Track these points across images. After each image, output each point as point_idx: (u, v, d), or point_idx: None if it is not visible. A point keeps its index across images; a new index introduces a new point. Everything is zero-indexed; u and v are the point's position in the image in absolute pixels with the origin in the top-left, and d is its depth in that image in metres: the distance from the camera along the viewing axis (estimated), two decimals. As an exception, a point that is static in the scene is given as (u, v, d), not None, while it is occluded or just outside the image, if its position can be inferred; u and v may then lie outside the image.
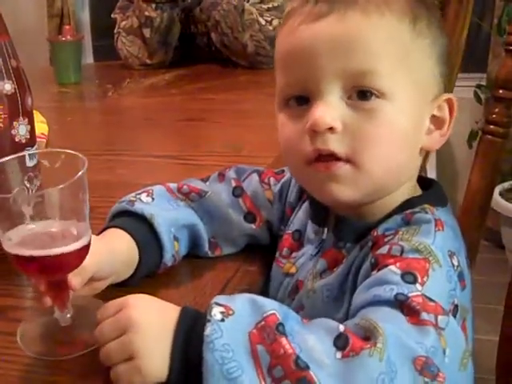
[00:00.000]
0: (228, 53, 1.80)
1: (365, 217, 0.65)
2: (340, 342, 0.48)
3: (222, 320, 0.50)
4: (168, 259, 0.69)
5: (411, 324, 0.50)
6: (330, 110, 0.60)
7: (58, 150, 0.58)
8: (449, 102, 0.65)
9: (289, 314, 0.52)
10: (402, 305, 0.51)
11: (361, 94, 0.60)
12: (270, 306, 0.52)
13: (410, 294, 0.52)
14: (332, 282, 0.63)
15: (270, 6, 1.80)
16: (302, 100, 0.63)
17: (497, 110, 0.93)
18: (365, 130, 0.60)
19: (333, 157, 0.60)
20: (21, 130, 0.74)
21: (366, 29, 0.60)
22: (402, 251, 0.56)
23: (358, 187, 0.62)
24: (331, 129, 0.60)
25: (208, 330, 0.49)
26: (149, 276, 0.69)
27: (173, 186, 0.76)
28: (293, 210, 0.75)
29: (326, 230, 0.68)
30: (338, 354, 0.48)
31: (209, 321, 0.50)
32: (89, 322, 0.58)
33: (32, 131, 0.75)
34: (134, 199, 0.72)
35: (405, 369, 0.48)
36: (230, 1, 1.73)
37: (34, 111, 0.80)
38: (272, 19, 1.77)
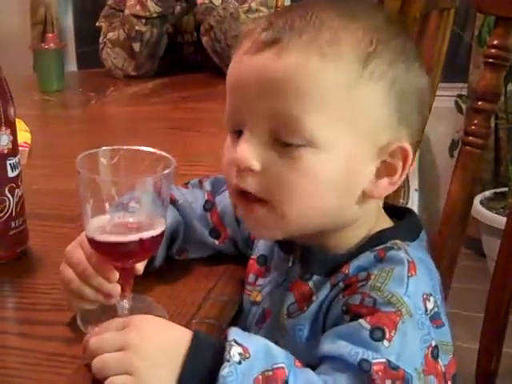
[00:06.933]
0: (218, 59, 1.79)
1: (330, 248, 0.63)
2: None
3: (239, 362, 0.51)
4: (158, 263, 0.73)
5: None
6: (252, 148, 0.58)
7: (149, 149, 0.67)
8: (402, 151, 0.59)
9: (292, 365, 0.53)
10: (365, 375, 0.52)
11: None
12: (281, 358, 0.53)
13: (373, 361, 0.52)
14: (303, 322, 0.62)
15: (256, 16, 1.82)
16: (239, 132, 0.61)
17: (476, 121, 0.94)
18: (284, 176, 0.57)
19: (250, 196, 0.59)
20: (3, 141, 0.74)
21: (303, 72, 0.56)
22: (375, 303, 0.55)
23: (276, 229, 0.61)
24: (250, 168, 0.58)
25: (225, 370, 0.50)
26: None
27: None
28: None
29: (292, 257, 0.65)
30: None
31: (228, 361, 0.50)
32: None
33: (14, 141, 0.75)
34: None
35: None
36: (226, 7, 1.73)
37: (18, 120, 0.79)
38: None
